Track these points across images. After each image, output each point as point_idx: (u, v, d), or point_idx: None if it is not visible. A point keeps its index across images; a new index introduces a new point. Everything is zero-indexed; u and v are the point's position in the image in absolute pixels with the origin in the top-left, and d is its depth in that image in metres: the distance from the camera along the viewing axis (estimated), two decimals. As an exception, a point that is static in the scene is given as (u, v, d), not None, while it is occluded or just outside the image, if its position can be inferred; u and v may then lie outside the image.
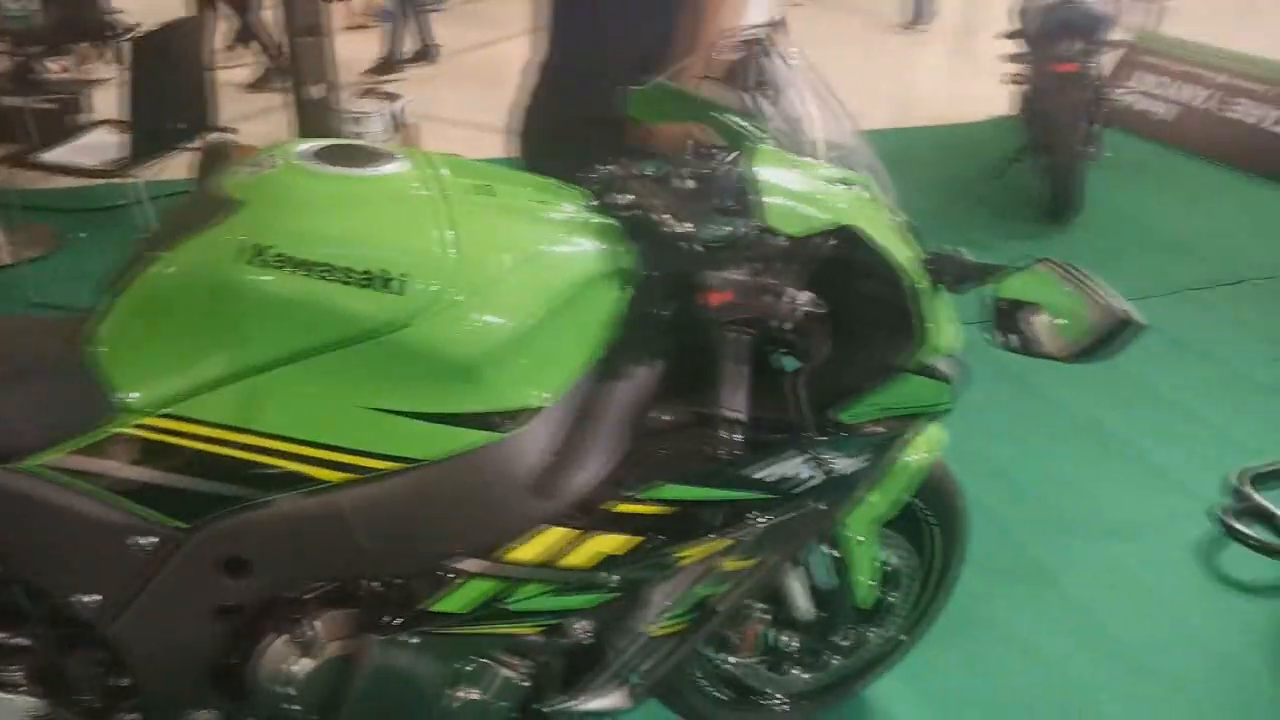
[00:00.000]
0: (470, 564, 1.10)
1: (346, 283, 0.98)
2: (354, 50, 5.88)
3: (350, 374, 1.01)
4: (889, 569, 1.67)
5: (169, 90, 2.90)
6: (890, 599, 1.73)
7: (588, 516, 1.13)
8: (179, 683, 1.13)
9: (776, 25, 4.51)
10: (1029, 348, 1.08)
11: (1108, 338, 1.01)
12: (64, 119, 4.12)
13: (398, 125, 3.77)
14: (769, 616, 1.56)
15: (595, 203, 1.24)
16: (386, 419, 1.03)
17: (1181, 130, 5.23)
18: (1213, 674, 2.00)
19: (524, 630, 1.18)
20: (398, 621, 1.11)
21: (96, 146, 3.15)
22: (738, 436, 0.96)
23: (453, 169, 1.16)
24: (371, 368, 1.01)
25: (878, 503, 1.48)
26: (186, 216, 1.06)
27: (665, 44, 1.91)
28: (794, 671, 1.72)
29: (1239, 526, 2.33)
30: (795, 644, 1.59)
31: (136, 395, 1.02)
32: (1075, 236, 4.13)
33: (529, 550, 1.11)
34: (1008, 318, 1.09)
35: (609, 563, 1.15)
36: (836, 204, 1.15)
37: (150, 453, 1.02)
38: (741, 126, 1.30)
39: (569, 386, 1.12)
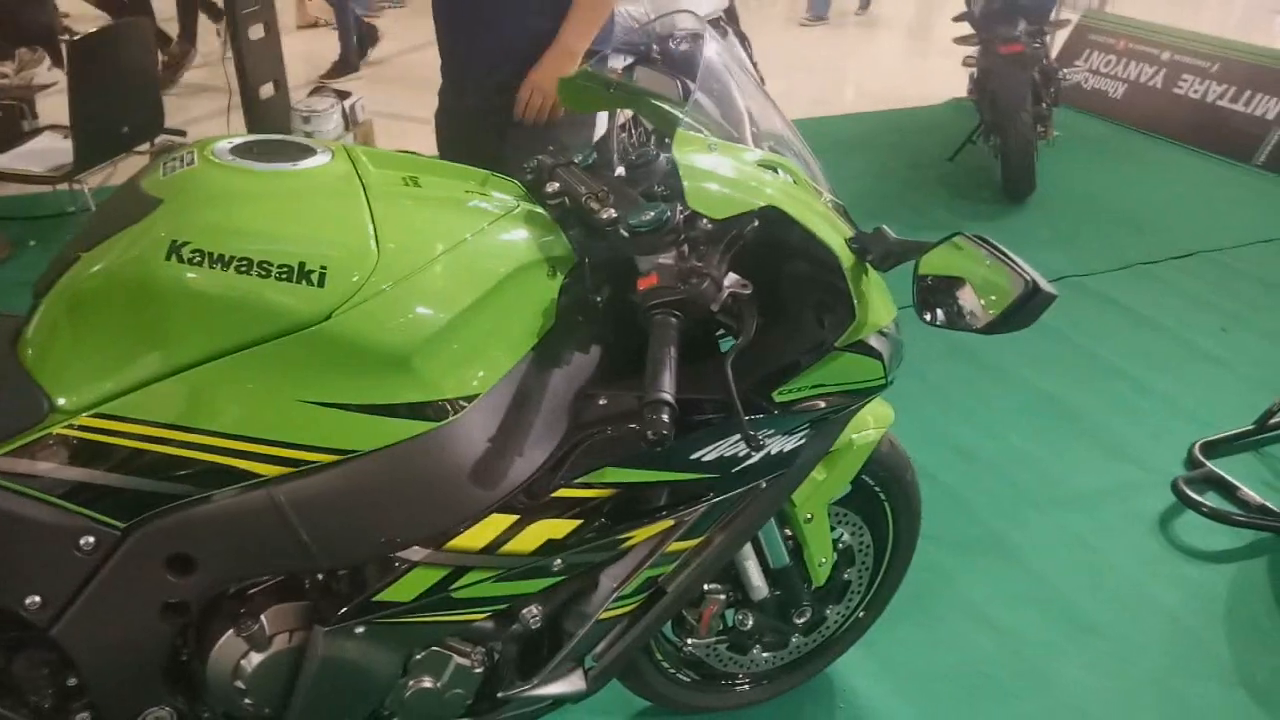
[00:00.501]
0: (413, 553, 1.10)
1: (265, 277, 0.98)
2: (312, 49, 5.84)
3: (279, 368, 1.01)
4: (843, 546, 1.69)
5: (113, 94, 2.86)
6: (846, 576, 1.75)
7: (529, 502, 1.13)
8: (129, 681, 1.12)
9: (726, 14, 4.49)
10: (950, 321, 1.09)
11: (1019, 307, 1.03)
12: (11, 125, 4.06)
13: (350, 123, 3.75)
14: (724, 597, 1.58)
15: (526, 192, 1.25)
16: (319, 411, 1.03)
17: (1132, 107, 5.32)
18: (1169, 639, 2.04)
19: (472, 617, 1.19)
20: (344, 612, 1.11)
21: (43, 152, 3.10)
22: (664, 418, 0.97)
23: (378, 162, 1.16)
24: (299, 361, 1.01)
25: (826, 480, 1.50)
26: (109, 216, 1.05)
27: (541, 42, 2.00)
28: (756, 652, 1.74)
29: (1193, 494, 2.38)
30: (752, 624, 1.60)
31: (68, 395, 1.01)
32: (1030, 214, 4.19)
33: (471, 537, 1.11)
34: (930, 292, 1.10)
35: (552, 547, 1.16)
36: (761, 187, 1.16)
37: (85, 453, 1.01)
38: (669, 112, 1.31)
39: (505, 374, 1.13)
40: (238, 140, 1.11)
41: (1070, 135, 4.99)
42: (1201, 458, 2.55)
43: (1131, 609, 2.12)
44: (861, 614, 1.83)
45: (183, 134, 3.45)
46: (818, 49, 7.21)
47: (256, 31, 3.71)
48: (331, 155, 1.12)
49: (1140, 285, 3.57)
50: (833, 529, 1.65)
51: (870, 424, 1.54)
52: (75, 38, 2.81)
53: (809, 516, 1.53)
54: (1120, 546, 2.30)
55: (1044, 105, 4.25)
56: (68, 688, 1.12)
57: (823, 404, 1.27)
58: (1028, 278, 1.01)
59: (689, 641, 1.62)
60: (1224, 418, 2.75)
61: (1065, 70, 4.43)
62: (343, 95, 3.82)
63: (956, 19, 4.60)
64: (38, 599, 1.04)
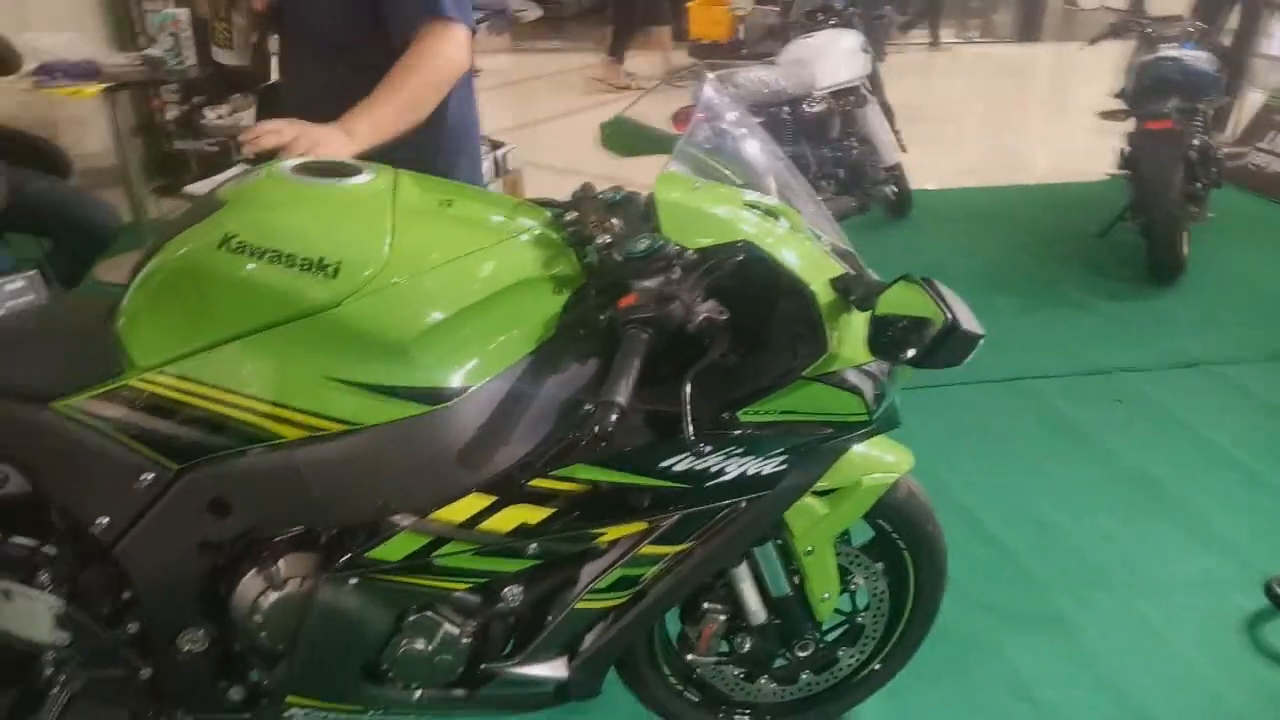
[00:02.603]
0: (402, 519, 1.26)
1: (290, 266, 1.19)
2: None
3: (302, 345, 1.21)
4: (854, 588, 1.72)
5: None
6: (860, 620, 1.78)
7: (507, 488, 1.28)
8: (171, 603, 1.33)
9: (870, 80, 4.58)
10: (888, 355, 1.16)
11: (939, 343, 1.08)
12: (223, 158, 4.69)
13: (500, 170, 4.07)
14: (724, 618, 1.64)
15: (551, 220, 1.41)
16: (334, 386, 1.23)
17: (1318, 193, 4.94)
18: (1233, 745, 1.92)
19: (454, 586, 1.33)
20: (341, 563, 1.28)
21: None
22: (611, 417, 1.08)
23: (423, 186, 1.36)
24: (317, 340, 1.21)
25: (828, 516, 1.55)
26: (190, 214, 1.31)
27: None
28: (764, 681, 1.78)
29: (1289, 597, 2.22)
30: (750, 647, 1.66)
31: (142, 356, 1.25)
32: (1175, 297, 3.98)
33: (453, 512, 1.26)
34: (880, 330, 1.18)
35: (525, 531, 1.29)
36: (737, 224, 1.27)
37: (149, 403, 1.24)
38: (697, 159, 1.44)
39: (501, 372, 1.28)
40: (303, 160, 1.34)
41: (1241, 219, 4.71)
42: (1309, 560, 2.37)
43: (1193, 706, 1.99)
44: (879, 666, 1.84)
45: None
46: (971, 118, 7.11)
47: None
48: (375, 176, 1.33)
49: (1282, 379, 3.33)
50: (846, 571, 1.69)
51: (881, 468, 1.57)
52: (264, 85, 3.26)
53: (809, 549, 1.58)
54: (1194, 641, 2.16)
55: (1198, 185, 4.05)
56: (123, 600, 1.35)
57: (795, 431, 1.34)
58: (948, 316, 1.07)
59: (690, 657, 1.69)
60: (1351, 523, 2.54)
61: (1226, 150, 4.21)
62: (496, 145, 4.16)
63: (1116, 95, 4.48)
64: (105, 520, 1.28)
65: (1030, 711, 1.97)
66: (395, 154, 1.57)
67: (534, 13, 5.09)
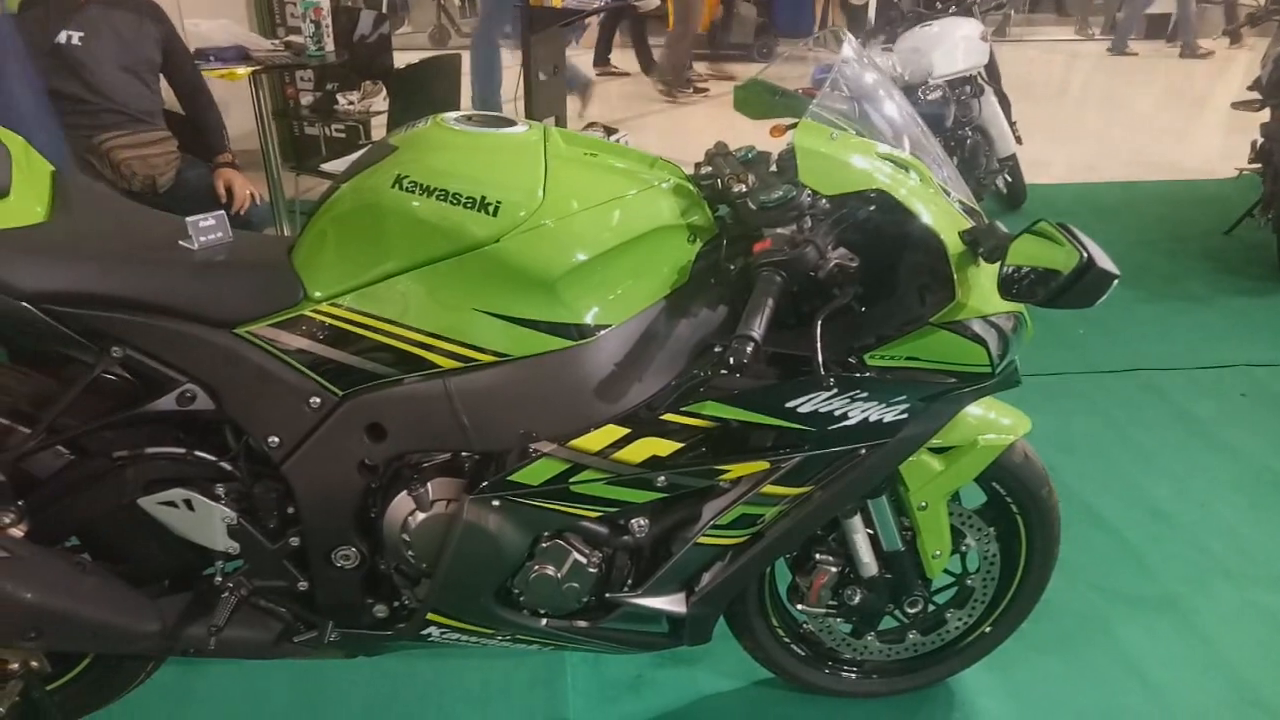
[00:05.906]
0: (543, 445, 1.36)
1: (456, 204, 1.29)
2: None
3: (461, 279, 1.32)
4: (966, 549, 1.75)
5: (420, 113, 3.45)
6: (970, 583, 1.80)
7: (640, 420, 1.36)
8: (329, 519, 1.46)
9: (986, 70, 4.49)
10: (1020, 295, 1.19)
11: (1074, 280, 1.11)
12: (351, 140, 4.94)
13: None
14: (835, 570, 1.69)
15: (685, 174, 1.48)
16: (487, 319, 1.33)
17: None
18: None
19: (586, 512, 1.42)
20: (485, 485, 1.38)
21: (364, 161, 3.79)
22: (746, 349, 1.15)
23: (569, 140, 1.46)
24: (475, 275, 1.31)
25: (944, 473, 1.58)
26: (363, 159, 1.43)
27: None
28: (871, 639, 1.82)
29: None
30: (859, 599, 1.70)
31: (317, 288, 1.37)
32: (1303, 296, 3.83)
33: (590, 441, 1.35)
34: (1014, 274, 1.21)
35: (655, 463, 1.36)
36: (874, 173, 1.32)
37: (321, 332, 1.36)
38: (828, 120, 1.49)
39: (638, 313, 1.37)
40: (464, 113, 1.45)
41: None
42: None
43: (1317, 696, 1.95)
44: (988, 629, 1.85)
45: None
46: (1092, 113, 6.90)
47: (546, 73, 4.28)
48: (528, 128, 1.43)
49: None
50: (959, 533, 1.72)
51: (997, 429, 1.60)
52: (397, 68, 3.43)
53: (923, 504, 1.61)
54: (1322, 634, 2.11)
55: (1334, 179, 3.87)
56: (288, 514, 1.48)
57: (918, 378, 1.39)
58: (1084, 254, 1.10)
59: (800, 607, 1.74)
60: None
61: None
62: (610, 131, 4.28)
63: (1251, 87, 4.31)
64: (277, 439, 1.41)
65: (1140, 689, 1.96)
66: None
67: (652, 1, 5.20)
